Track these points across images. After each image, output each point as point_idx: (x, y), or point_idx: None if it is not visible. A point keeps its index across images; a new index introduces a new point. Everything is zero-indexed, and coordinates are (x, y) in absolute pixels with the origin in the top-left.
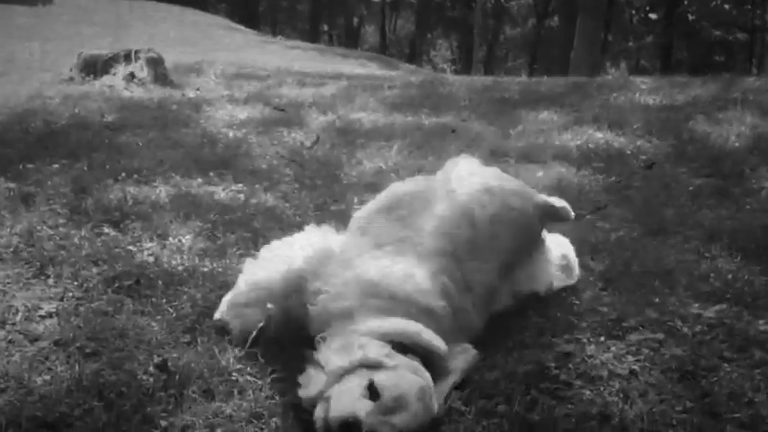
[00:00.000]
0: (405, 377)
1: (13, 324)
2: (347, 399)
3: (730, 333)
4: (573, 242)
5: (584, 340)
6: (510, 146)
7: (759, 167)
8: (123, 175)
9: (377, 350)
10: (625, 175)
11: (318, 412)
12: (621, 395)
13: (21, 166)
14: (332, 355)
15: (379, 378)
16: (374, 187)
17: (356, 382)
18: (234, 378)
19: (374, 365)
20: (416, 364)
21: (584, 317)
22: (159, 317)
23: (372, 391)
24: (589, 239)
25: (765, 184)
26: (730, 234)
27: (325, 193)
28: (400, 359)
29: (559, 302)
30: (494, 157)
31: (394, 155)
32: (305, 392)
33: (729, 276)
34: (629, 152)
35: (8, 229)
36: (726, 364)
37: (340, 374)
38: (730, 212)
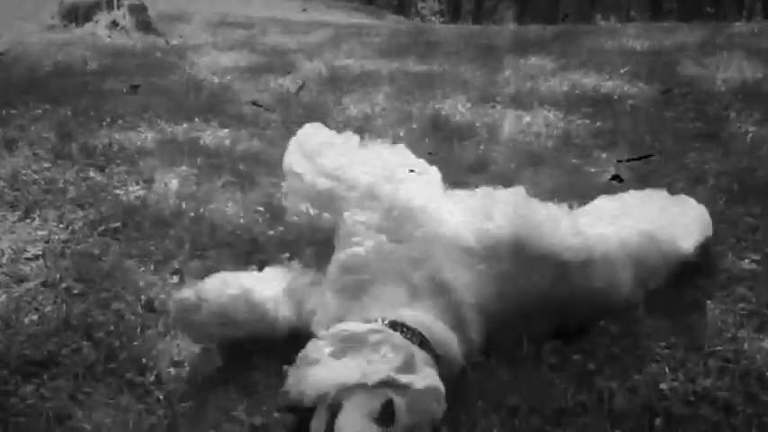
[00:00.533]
0: (424, 399)
1: (0, 266)
2: (357, 421)
3: (714, 271)
4: (561, 188)
5: None
6: (497, 91)
7: (744, 111)
8: (108, 120)
9: (401, 357)
10: (612, 119)
11: (316, 423)
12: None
13: (3, 112)
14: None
15: (398, 400)
16: (361, 131)
17: (370, 400)
18: None
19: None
20: (434, 372)
21: None
22: (146, 258)
23: (386, 414)
24: (574, 184)
25: (751, 128)
26: (715, 176)
27: None
28: (424, 368)
29: None
30: (481, 101)
31: (381, 100)
32: (297, 394)
33: (712, 214)
34: (616, 97)
35: None
36: (709, 301)
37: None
38: (715, 155)
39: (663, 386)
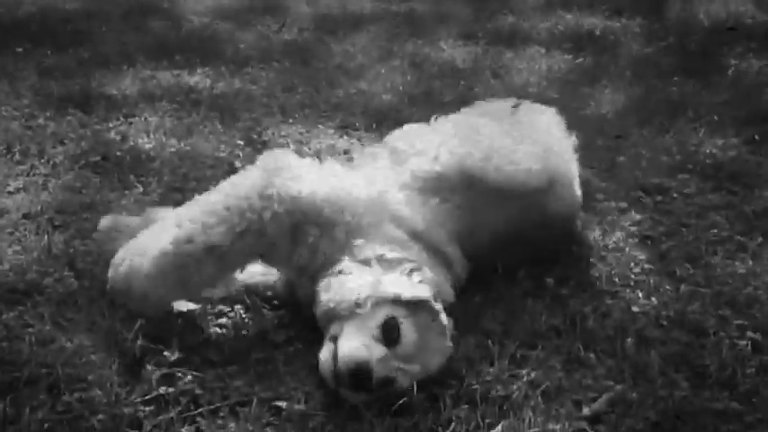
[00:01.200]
0: (439, 323)
1: None
2: (358, 340)
3: (690, 202)
4: None
5: None
6: (480, 28)
7: (727, 46)
8: (87, 58)
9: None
10: (593, 55)
11: (324, 353)
12: None
13: None
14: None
15: (400, 315)
16: (342, 70)
17: (373, 319)
18: None
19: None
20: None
21: None
22: (127, 191)
23: (390, 332)
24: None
25: (732, 62)
26: (694, 109)
27: (292, 76)
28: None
29: None
30: (464, 38)
31: (363, 39)
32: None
33: (692, 149)
34: (598, 32)
35: None
36: (684, 230)
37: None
38: (695, 89)
39: (635, 309)
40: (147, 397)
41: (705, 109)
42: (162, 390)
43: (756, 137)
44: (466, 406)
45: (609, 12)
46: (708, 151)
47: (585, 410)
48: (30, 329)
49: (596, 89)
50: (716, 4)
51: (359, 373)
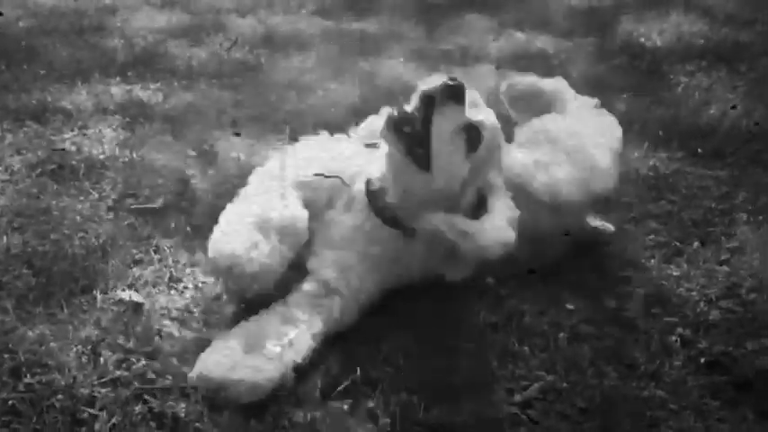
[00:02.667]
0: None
1: None
2: (449, 132)
3: (630, 210)
4: None
5: None
6: (431, 48)
7: (678, 64)
8: (42, 74)
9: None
10: (543, 71)
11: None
12: None
13: None
14: None
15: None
16: (292, 86)
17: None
18: (154, 248)
19: None
20: None
21: None
22: (82, 197)
23: (473, 138)
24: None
25: (682, 80)
26: (641, 124)
27: (243, 91)
28: None
29: None
30: (415, 57)
31: (313, 57)
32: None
33: (636, 162)
34: (550, 52)
35: None
36: (623, 235)
37: None
38: (644, 105)
39: (569, 307)
40: (102, 379)
41: (652, 124)
42: (117, 373)
43: (699, 150)
44: (404, 393)
45: (561, 32)
46: (651, 164)
47: (517, 397)
48: None
49: None
50: (669, 25)
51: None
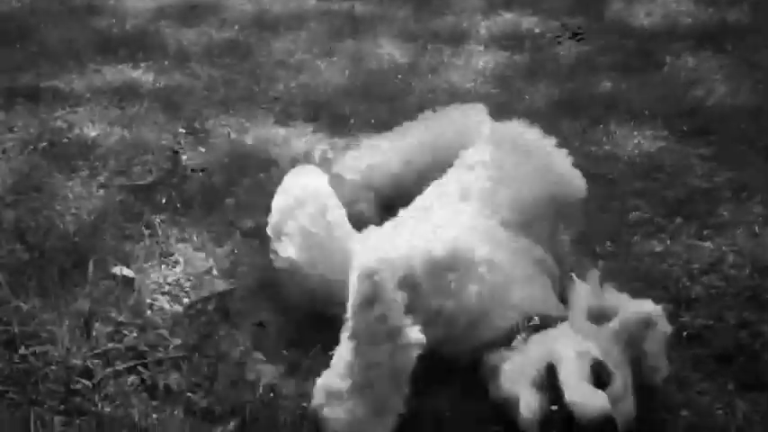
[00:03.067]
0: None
1: None
2: (585, 386)
3: (614, 187)
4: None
5: None
6: (420, 28)
7: (665, 45)
8: (34, 53)
9: None
10: (531, 52)
11: (529, 400)
12: None
13: None
14: None
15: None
16: (282, 65)
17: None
18: (145, 224)
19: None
20: None
21: None
22: (74, 174)
23: (601, 374)
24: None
25: (668, 60)
26: (627, 104)
27: (233, 71)
28: None
29: None
30: (404, 37)
31: (303, 37)
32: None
33: (621, 140)
34: (537, 31)
35: None
36: (606, 212)
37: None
38: (630, 85)
39: None
40: (95, 351)
41: (638, 104)
42: (110, 345)
43: (684, 128)
44: None
45: (549, 11)
46: (636, 142)
47: None
48: None
49: (532, 85)
50: (658, 5)
51: (604, 426)
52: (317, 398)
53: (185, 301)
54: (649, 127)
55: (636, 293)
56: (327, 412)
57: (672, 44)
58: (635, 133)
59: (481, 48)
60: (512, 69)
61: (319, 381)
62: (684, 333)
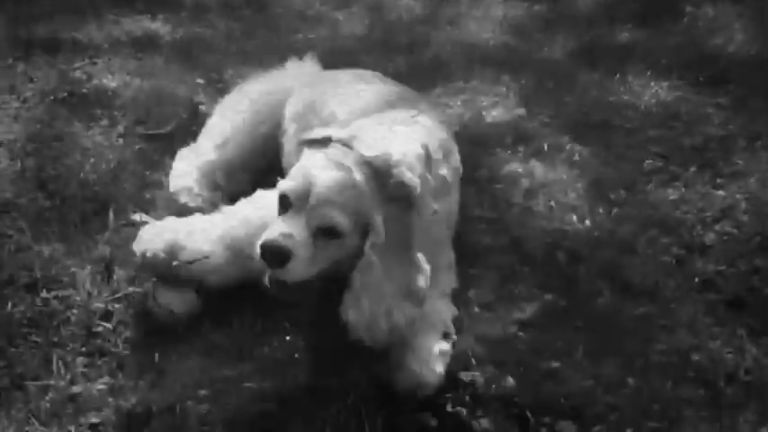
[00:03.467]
0: None
1: None
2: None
3: (631, 136)
4: (503, 67)
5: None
6: None
7: None
8: (53, 5)
9: None
10: (551, 3)
11: None
12: None
13: None
14: None
15: None
16: (301, 17)
17: None
18: (164, 172)
19: None
20: None
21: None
22: (93, 123)
23: None
24: (513, 61)
25: (688, 9)
26: (645, 53)
27: (252, 23)
28: None
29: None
30: None
31: None
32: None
33: (638, 89)
34: None
35: None
36: (622, 160)
37: None
38: (648, 35)
39: (567, 229)
40: (116, 295)
41: (655, 54)
42: (130, 289)
43: (701, 78)
44: None
45: None
46: (653, 91)
47: (517, 316)
48: (8, 239)
49: (549, 35)
50: None
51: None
52: None
53: None
54: (666, 77)
55: (650, 240)
56: None
57: None
58: (652, 83)
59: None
60: (530, 20)
61: None
62: (696, 279)
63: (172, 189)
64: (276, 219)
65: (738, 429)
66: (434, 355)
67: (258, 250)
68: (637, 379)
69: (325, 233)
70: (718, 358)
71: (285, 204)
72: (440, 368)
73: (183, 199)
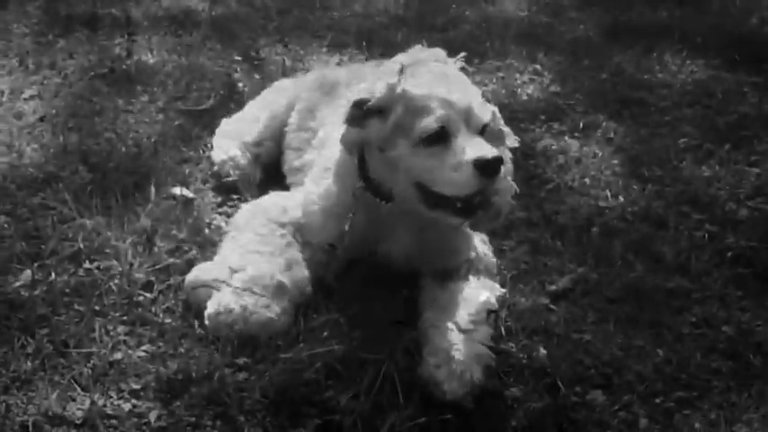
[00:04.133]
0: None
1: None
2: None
3: (666, 114)
4: (532, 42)
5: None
6: None
7: None
8: None
9: None
10: None
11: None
12: None
13: None
14: None
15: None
16: None
17: None
18: (203, 147)
19: None
20: None
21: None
22: (133, 99)
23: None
24: (545, 36)
25: None
26: (681, 32)
27: (288, 0)
28: None
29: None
30: None
31: None
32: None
33: (674, 68)
34: None
35: None
36: (657, 138)
37: None
38: (685, 14)
39: (602, 204)
40: (157, 266)
41: (692, 33)
42: (170, 260)
43: (737, 57)
44: None
45: None
46: (689, 70)
47: (550, 287)
48: (52, 211)
49: (586, 13)
50: None
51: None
52: None
53: None
54: (702, 56)
55: (682, 216)
56: None
57: None
58: (688, 62)
59: None
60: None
61: None
62: (728, 254)
63: (216, 160)
64: (457, 142)
65: (766, 399)
66: (473, 361)
67: (471, 169)
68: (666, 350)
69: None
70: (747, 330)
71: (443, 136)
72: (477, 374)
73: (227, 170)
